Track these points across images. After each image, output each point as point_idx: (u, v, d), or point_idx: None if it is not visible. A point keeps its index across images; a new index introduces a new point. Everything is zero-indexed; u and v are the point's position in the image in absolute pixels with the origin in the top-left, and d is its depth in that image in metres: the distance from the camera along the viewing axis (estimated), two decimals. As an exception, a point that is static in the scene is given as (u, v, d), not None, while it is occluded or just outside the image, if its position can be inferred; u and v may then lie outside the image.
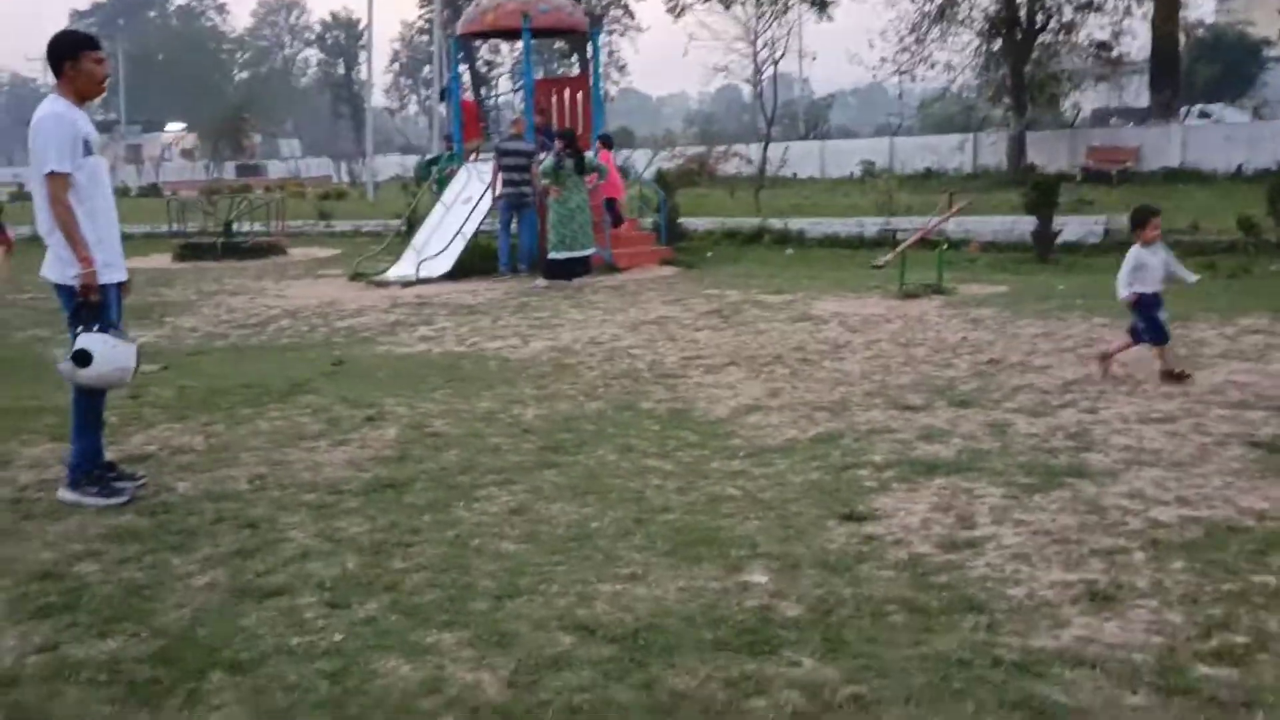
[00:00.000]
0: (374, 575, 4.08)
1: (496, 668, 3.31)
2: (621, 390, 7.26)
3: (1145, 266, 7.15)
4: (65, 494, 5.01)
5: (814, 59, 58.70)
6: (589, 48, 17.08)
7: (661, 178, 18.36)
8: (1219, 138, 32.10)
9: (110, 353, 4.87)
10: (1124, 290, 7.12)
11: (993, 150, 35.71)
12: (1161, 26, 32.37)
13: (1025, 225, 14.81)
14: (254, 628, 3.63)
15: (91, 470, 5.04)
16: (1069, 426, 5.94)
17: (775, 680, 3.19)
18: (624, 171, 21.52)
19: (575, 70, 22.13)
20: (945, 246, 13.54)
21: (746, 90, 57.90)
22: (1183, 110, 39.24)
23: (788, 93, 77.43)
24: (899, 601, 3.72)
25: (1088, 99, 56.69)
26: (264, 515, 4.80)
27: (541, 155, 14.07)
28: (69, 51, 4.94)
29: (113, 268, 5.04)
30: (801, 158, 42.77)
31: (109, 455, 5.31)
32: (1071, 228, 14.98)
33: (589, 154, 14.08)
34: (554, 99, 16.93)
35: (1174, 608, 3.61)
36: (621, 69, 73.33)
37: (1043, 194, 13.96)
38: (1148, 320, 7.07)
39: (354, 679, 3.25)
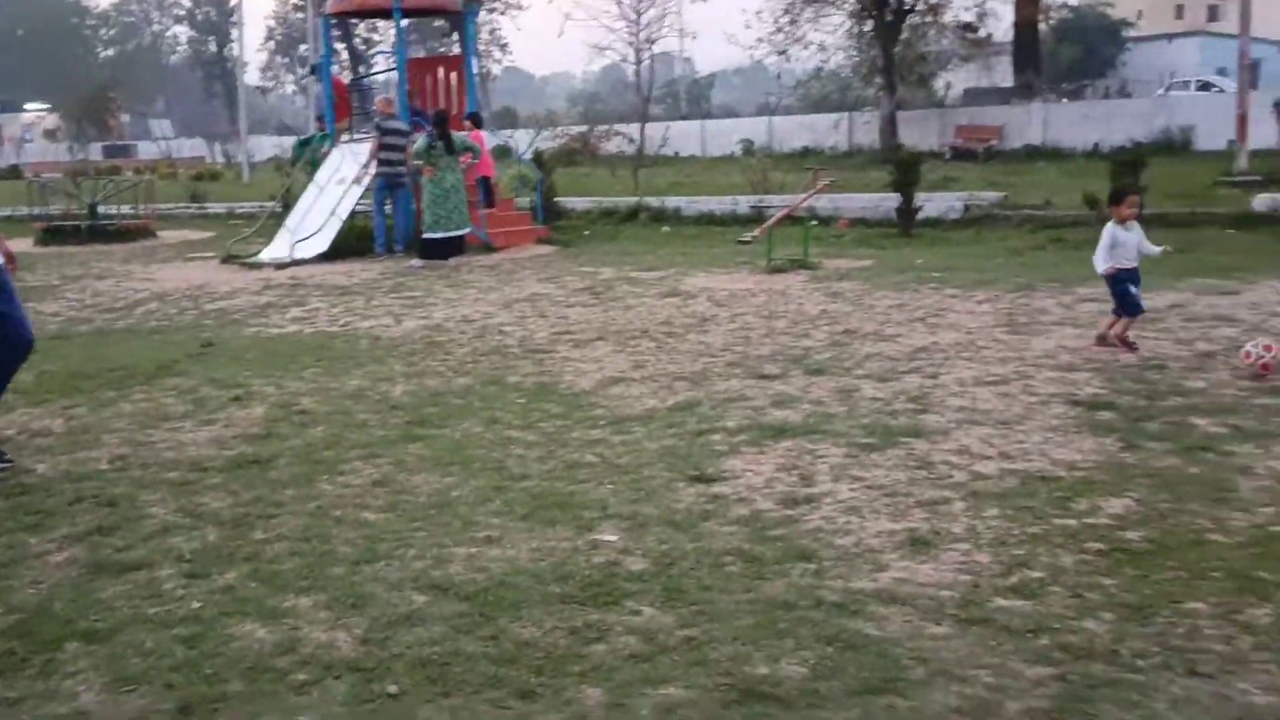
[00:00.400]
0: (234, 547, 4.18)
1: (351, 627, 3.46)
2: (490, 366, 7.41)
3: (1121, 244, 7.27)
4: None
5: (694, 38, 59.33)
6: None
7: (539, 158, 18.44)
8: (1077, 116, 33.47)
9: None
10: (1101, 265, 7.27)
11: (867, 129, 36.59)
12: (1022, 10, 33.63)
13: (891, 202, 15.30)
14: (111, 600, 3.72)
15: None
16: (911, 390, 6.30)
17: (615, 628, 3.42)
18: (505, 151, 21.53)
19: (457, 49, 22.06)
20: (813, 223, 13.97)
21: (631, 69, 58.24)
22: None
23: (670, 72, 77.90)
24: (736, 553, 3.98)
25: (960, 79, 58.41)
26: (124, 494, 4.84)
27: (414, 135, 14.06)
28: None
29: None
30: (683, 137, 43.19)
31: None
32: (934, 204, 15.55)
33: (462, 134, 14.10)
34: (430, 79, 16.88)
35: (983, 550, 3.94)
36: (503, 47, 72.71)
37: (904, 172, 14.48)
38: (1120, 294, 7.23)
39: (210, 643, 3.37)
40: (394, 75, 16.68)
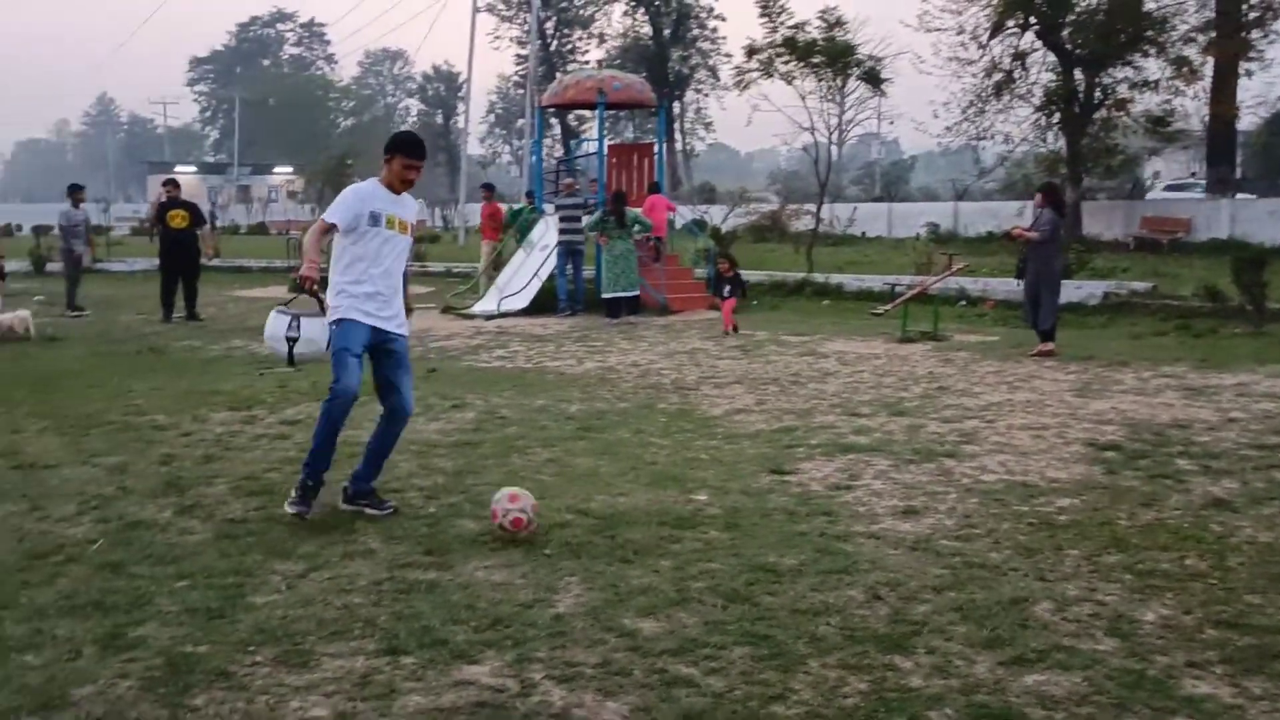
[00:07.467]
0: (455, 486, 6.36)
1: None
2: (645, 396, 9.50)
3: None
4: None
5: (892, 124, 61.44)
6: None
7: (716, 234, 20.67)
8: (1264, 213, 33.47)
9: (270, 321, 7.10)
10: None
11: (1051, 217, 37.37)
12: (1216, 106, 33.98)
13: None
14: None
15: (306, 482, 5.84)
16: (965, 430, 8.01)
17: (688, 538, 5.37)
18: (701, 224, 24.16)
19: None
20: (961, 303, 15.57)
21: (833, 150, 60.38)
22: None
23: (867, 154, 79.52)
24: (782, 510, 5.88)
25: (1170, 170, 57.78)
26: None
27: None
28: (392, 151, 6.11)
29: (374, 317, 5.89)
30: (871, 217, 44.87)
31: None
32: (1076, 291, 16.85)
33: (636, 211, 16.66)
34: (625, 160, 19.47)
35: (952, 519, 5.71)
36: (708, 126, 76.15)
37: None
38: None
39: (441, 528, 5.52)
40: (594, 157, 19.33)
